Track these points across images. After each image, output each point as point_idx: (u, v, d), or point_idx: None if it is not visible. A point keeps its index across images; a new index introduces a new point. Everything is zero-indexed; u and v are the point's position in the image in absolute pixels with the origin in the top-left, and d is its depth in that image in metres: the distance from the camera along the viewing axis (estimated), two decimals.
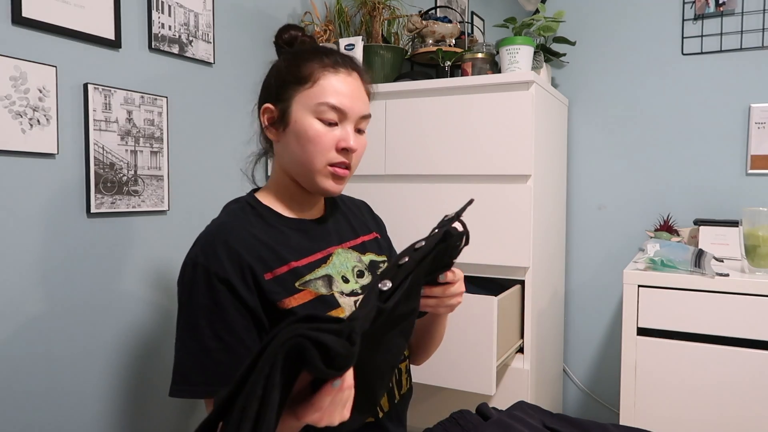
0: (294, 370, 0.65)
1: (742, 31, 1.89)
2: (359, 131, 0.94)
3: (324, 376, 0.63)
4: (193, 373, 0.83)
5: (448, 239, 0.82)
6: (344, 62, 0.92)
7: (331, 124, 0.89)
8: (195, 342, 0.83)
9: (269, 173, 1.01)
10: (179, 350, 0.86)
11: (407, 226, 1.61)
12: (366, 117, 0.94)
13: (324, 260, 0.93)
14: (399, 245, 1.62)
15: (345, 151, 0.90)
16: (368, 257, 1.02)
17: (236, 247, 0.84)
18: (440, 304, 0.91)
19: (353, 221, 1.06)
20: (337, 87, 0.89)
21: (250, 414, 0.61)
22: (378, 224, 1.14)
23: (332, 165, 0.90)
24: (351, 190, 1.61)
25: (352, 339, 0.63)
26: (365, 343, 0.69)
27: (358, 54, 1.67)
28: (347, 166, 0.92)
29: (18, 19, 1.06)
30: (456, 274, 0.90)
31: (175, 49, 1.37)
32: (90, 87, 1.19)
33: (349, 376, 0.66)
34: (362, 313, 0.68)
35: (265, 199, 0.96)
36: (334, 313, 0.88)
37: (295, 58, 0.93)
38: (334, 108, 0.89)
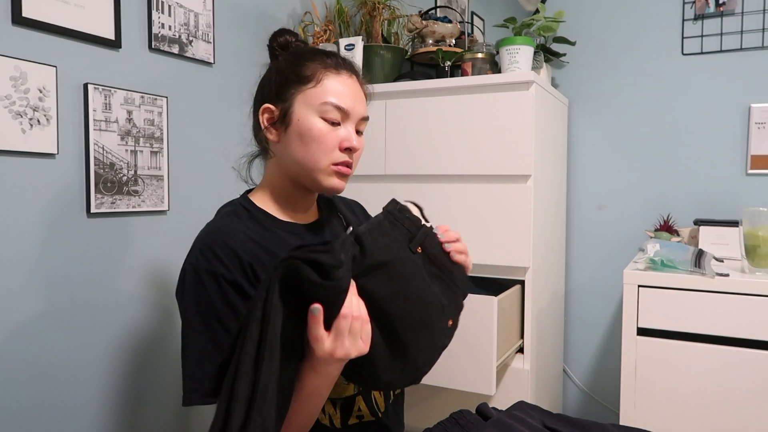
0: (298, 313, 0.71)
1: (742, 31, 1.89)
2: (358, 132, 0.95)
3: (325, 293, 0.70)
4: (211, 376, 0.81)
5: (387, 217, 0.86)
6: (345, 64, 0.93)
7: (334, 123, 0.90)
8: (210, 344, 0.81)
9: (263, 173, 1.01)
10: (192, 356, 0.82)
11: None
12: (365, 119, 0.95)
13: None
14: None
15: (348, 150, 0.91)
16: None
17: (235, 249, 0.84)
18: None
19: (350, 222, 1.06)
20: (340, 88, 0.90)
21: (251, 334, 0.68)
22: None
23: (335, 164, 0.91)
24: (351, 190, 1.60)
25: (336, 251, 0.71)
26: (380, 288, 0.78)
27: (358, 54, 1.67)
28: (350, 165, 0.93)
29: (18, 19, 1.06)
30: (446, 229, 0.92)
31: (175, 49, 1.37)
32: (90, 87, 1.18)
33: (356, 306, 0.73)
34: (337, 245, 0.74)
35: (259, 200, 0.95)
36: None
37: (297, 58, 0.93)
38: (338, 108, 0.89)
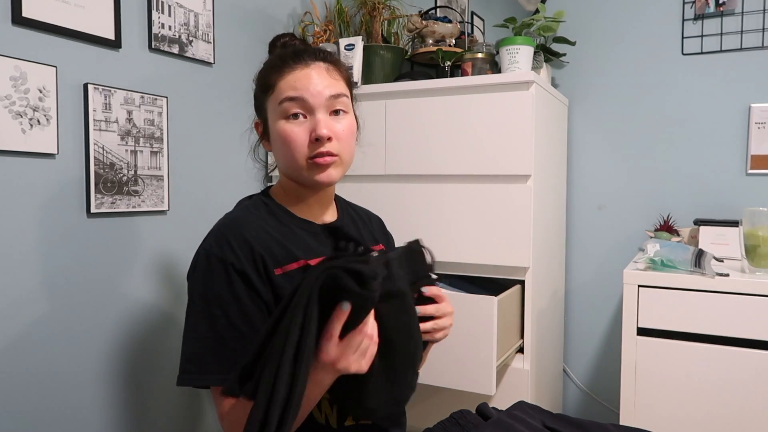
0: (320, 321, 0.72)
1: (742, 31, 1.89)
2: (337, 113, 0.91)
3: (359, 302, 0.71)
4: (206, 361, 0.83)
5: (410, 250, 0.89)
6: (300, 57, 0.90)
7: (298, 116, 0.88)
8: (210, 331, 0.84)
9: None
10: (192, 339, 0.85)
11: (407, 226, 1.61)
12: (337, 96, 0.90)
13: None
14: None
15: (320, 140, 0.88)
16: None
17: (249, 240, 0.86)
18: (435, 327, 0.91)
19: (362, 230, 1.07)
20: (293, 81, 0.89)
21: (292, 339, 0.69)
22: (387, 240, 1.14)
23: (312, 158, 0.89)
24: (351, 190, 1.60)
25: (374, 265, 0.72)
26: (391, 317, 0.79)
27: (358, 54, 1.67)
28: (330, 154, 0.89)
29: (18, 19, 1.06)
30: (440, 291, 0.92)
31: (175, 49, 1.37)
32: (90, 87, 1.18)
33: (371, 325, 0.75)
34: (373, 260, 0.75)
35: (277, 196, 0.98)
36: None
37: (263, 70, 0.96)
38: (292, 99, 0.88)
